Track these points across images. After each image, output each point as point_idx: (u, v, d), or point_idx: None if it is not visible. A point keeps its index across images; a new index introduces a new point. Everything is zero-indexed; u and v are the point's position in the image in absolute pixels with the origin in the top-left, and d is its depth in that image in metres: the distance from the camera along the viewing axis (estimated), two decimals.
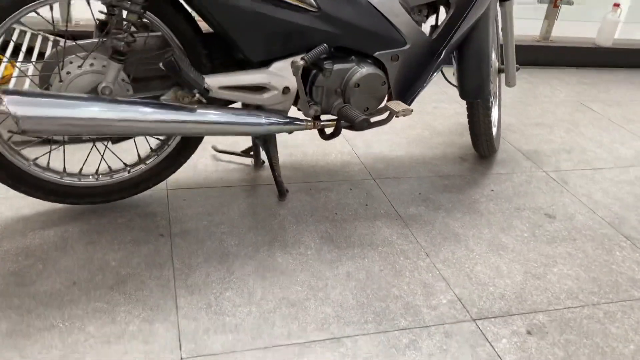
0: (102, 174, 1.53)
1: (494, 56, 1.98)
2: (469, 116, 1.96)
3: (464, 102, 1.98)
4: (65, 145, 1.74)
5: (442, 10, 1.69)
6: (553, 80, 3.12)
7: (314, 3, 1.45)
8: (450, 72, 1.91)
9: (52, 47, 2.09)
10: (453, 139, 2.28)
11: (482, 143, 2.03)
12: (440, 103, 2.62)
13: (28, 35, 2.25)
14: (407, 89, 1.67)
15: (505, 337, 1.30)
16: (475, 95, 1.80)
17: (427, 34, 1.64)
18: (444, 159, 2.11)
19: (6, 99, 1.16)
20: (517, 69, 2.04)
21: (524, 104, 2.73)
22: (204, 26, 1.46)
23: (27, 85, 1.95)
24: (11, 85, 1.96)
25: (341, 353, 1.20)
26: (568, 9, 3.35)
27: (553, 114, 2.64)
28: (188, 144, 1.58)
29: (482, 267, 1.52)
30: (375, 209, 1.73)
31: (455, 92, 2.72)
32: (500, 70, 2.06)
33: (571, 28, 3.46)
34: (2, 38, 1.30)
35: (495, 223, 1.73)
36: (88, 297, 1.27)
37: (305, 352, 1.19)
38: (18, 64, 2.07)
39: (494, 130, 2.09)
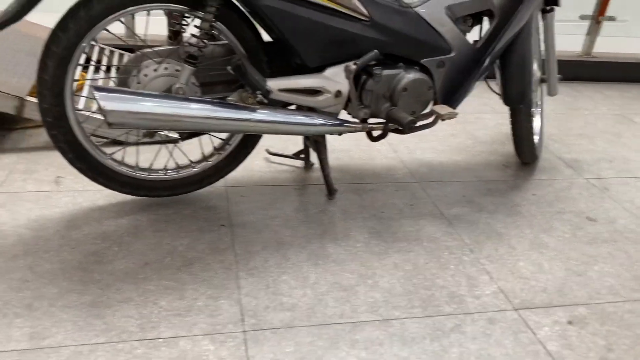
0: (170, 170, 1.67)
1: (535, 66, 2.06)
2: (511, 122, 2.04)
3: (507, 113, 2.07)
4: (135, 145, 1.90)
5: (485, 20, 1.79)
6: (595, 94, 3.15)
7: (366, 13, 1.57)
8: (494, 83, 2.00)
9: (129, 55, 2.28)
10: (496, 147, 2.35)
11: (524, 149, 2.09)
12: (483, 114, 2.70)
13: (97, 50, 2.45)
14: (452, 94, 1.76)
15: (546, 326, 1.36)
16: (518, 101, 1.88)
17: (472, 43, 1.74)
18: (486, 165, 2.18)
19: (97, 94, 1.32)
20: (559, 79, 2.11)
21: (566, 116, 2.78)
22: (264, 35, 1.60)
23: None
24: (84, 92, 2.15)
25: (389, 332, 1.29)
26: (610, 25, 3.39)
27: (595, 125, 2.68)
28: (247, 144, 1.71)
29: (524, 263, 1.59)
30: (420, 209, 1.82)
31: (497, 103, 2.80)
32: (542, 80, 2.13)
33: (614, 44, 3.49)
34: (83, 52, 1.45)
35: (536, 224, 1.79)
36: (159, 276, 1.40)
37: (356, 330, 1.29)
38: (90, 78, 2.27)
39: (536, 138, 2.16)
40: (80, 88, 2.26)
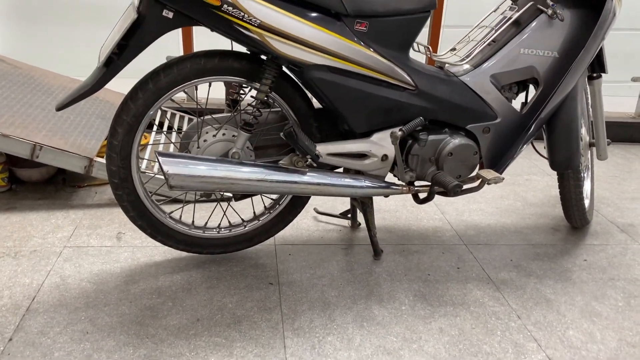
0: (223, 228, 1.76)
1: (584, 130, 2.06)
2: (560, 187, 2.03)
3: (556, 175, 2.07)
4: (191, 203, 2.01)
5: (531, 87, 1.83)
6: None
7: (412, 82, 1.64)
8: (541, 145, 2.01)
9: (190, 121, 2.45)
10: (545, 210, 2.33)
11: (574, 213, 2.07)
12: (532, 176, 2.69)
13: (163, 113, 2.63)
14: (498, 159, 1.79)
15: None
16: (565, 166, 1.88)
17: (517, 109, 1.78)
18: (536, 228, 2.16)
19: (161, 159, 1.43)
20: (608, 143, 2.10)
21: (618, 179, 2.73)
22: (315, 102, 1.70)
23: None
24: (147, 153, 2.30)
25: None
26: None
27: None
28: (296, 205, 1.79)
29: (574, 332, 1.55)
30: (467, 272, 1.82)
31: (547, 165, 2.79)
32: (591, 144, 2.13)
33: None
34: (152, 115, 1.59)
35: (588, 291, 1.75)
36: (209, 333, 1.45)
37: None
38: (156, 137, 2.43)
39: (587, 202, 2.13)
40: (143, 149, 2.42)
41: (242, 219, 1.79)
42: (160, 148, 2.34)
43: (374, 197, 1.87)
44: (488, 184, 1.70)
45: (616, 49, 3.52)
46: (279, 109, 1.66)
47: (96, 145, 2.17)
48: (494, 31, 1.80)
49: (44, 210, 2.07)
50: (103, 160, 2.04)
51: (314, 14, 1.48)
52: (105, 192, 2.24)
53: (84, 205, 2.12)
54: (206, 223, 1.76)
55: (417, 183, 1.77)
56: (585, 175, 2.18)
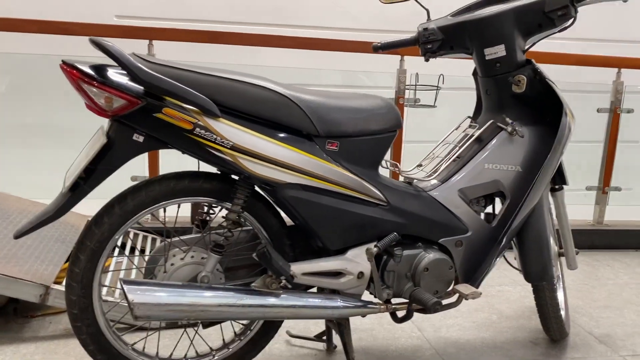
0: (190, 359, 1.63)
1: (552, 241, 2.08)
2: (536, 299, 2.01)
3: (527, 284, 2.05)
4: (156, 331, 1.87)
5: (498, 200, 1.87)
6: (614, 262, 3.14)
7: (383, 198, 1.65)
8: (512, 256, 2.02)
9: (160, 242, 2.37)
10: (522, 322, 2.28)
11: (553, 326, 2.03)
12: (503, 286, 2.67)
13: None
14: (473, 273, 1.77)
15: None
16: (540, 278, 1.87)
17: (487, 222, 1.79)
18: (515, 343, 2.10)
19: (125, 287, 1.34)
20: (577, 253, 2.12)
21: (588, 287, 2.74)
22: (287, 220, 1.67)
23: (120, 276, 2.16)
24: (109, 277, 2.18)
25: None
26: (619, 194, 3.50)
27: (619, 296, 2.63)
28: (268, 329, 1.69)
29: None
30: None
31: (516, 275, 2.78)
32: (560, 254, 2.15)
33: (629, 212, 3.57)
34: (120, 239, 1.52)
35: None
36: None
37: None
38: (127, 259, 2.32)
39: (563, 313, 2.10)
40: (106, 271, 2.30)
41: (210, 348, 1.67)
42: (122, 273, 2.23)
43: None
44: (466, 299, 1.67)
45: (569, 159, 3.71)
46: (251, 227, 1.62)
47: (54, 271, 2.05)
48: (457, 148, 1.86)
49: None
50: (61, 288, 1.92)
51: (286, 135, 1.50)
52: (61, 321, 2.08)
53: (37, 338, 1.95)
54: (171, 354, 1.63)
55: (394, 300, 1.71)
56: (558, 285, 2.17)
